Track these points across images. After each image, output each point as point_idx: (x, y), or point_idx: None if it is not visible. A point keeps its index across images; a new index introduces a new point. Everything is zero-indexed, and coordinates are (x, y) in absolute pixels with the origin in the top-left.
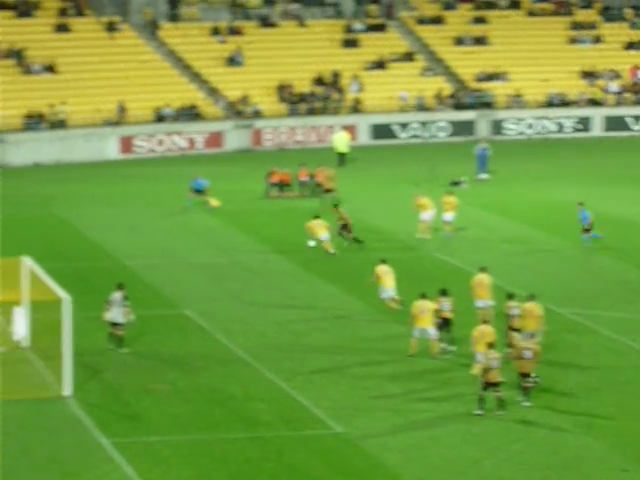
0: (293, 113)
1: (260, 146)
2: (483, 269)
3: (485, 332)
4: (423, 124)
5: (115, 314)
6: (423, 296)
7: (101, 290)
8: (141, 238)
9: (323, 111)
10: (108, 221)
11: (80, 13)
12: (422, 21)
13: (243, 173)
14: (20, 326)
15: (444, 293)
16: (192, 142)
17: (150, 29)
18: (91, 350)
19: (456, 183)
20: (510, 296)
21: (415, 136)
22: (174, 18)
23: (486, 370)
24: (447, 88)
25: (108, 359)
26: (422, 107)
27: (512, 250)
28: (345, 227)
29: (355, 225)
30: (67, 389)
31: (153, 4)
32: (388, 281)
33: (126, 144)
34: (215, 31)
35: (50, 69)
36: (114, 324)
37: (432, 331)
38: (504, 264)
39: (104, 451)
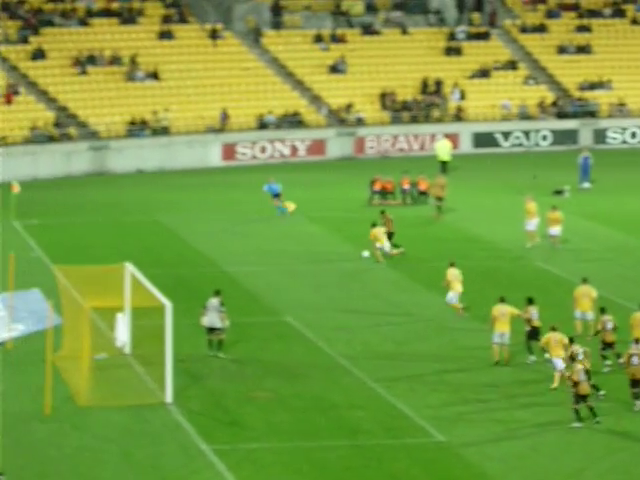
0: (396, 121)
1: (362, 154)
2: (585, 280)
3: (553, 339)
4: (525, 133)
5: (212, 319)
6: (502, 300)
7: (202, 296)
8: (242, 245)
9: (426, 119)
10: (209, 228)
11: (183, 20)
12: (525, 29)
13: (345, 181)
14: (122, 332)
15: (531, 302)
16: (294, 149)
17: (253, 36)
18: (192, 356)
19: (559, 192)
20: (603, 310)
21: (517, 145)
22: (277, 25)
23: (576, 383)
24: (550, 97)
25: (209, 366)
26: (525, 116)
27: (614, 260)
28: (390, 236)
29: (456, 233)
30: (168, 396)
31: (256, 11)
32: (456, 285)
33: (228, 151)
34: (318, 38)
35: (153, 76)
36: (211, 329)
37: (507, 336)
38: (606, 274)
39: (205, 458)
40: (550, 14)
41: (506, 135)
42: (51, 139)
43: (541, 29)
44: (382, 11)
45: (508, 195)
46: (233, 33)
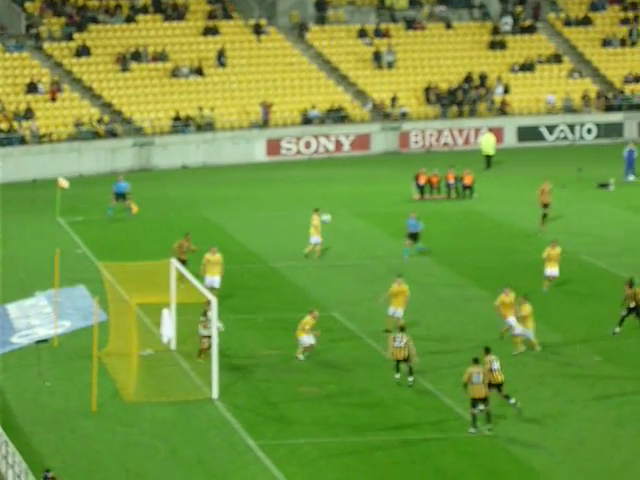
0: (440, 115)
1: (407, 148)
2: (399, 276)
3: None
4: (570, 126)
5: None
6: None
7: (249, 292)
8: (288, 240)
9: (470, 113)
10: (255, 223)
11: (228, 16)
12: (569, 22)
13: (390, 175)
14: (168, 328)
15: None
16: (339, 144)
17: (297, 31)
18: (239, 352)
19: (603, 185)
20: (487, 350)
21: (562, 138)
22: (321, 20)
23: (466, 385)
24: (594, 90)
25: (256, 362)
26: (569, 109)
27: None
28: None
29: (501, 228)
30: (215, 391)
31: (300, 7)
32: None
33: (273, 146)
34: (362, 33)
35: (198, 72)
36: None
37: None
38: None
39: (252, 453)
40: (594, 7)
41: (551, 129)
42: (96, 135)
43: (585, 22)
44: (426, 5)
45: (553, 189)
46: (277, 28)
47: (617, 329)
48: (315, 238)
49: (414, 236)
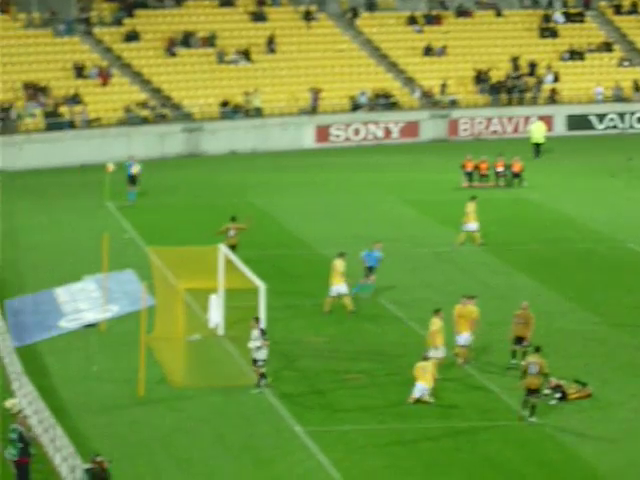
0: (489, 103)
1: (456, 136)
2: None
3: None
4: (620, 115)
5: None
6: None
7: (296, 279)
8: (337, 227)
9: (520, 101)
10: (304, 210)
11: (277, 2)
12: (620, 11)
13: (439, 163)
14: (215, 313)
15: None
16: (388, 131)
17: (347, 18)
18: (286, 338)
19: None
20: (537, 349)
21: (612, 127)
22: (371, 7)
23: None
24: None
25: (303, 348)
26: (619, 98)
27: None
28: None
29: (550, 216)
30: None
31: None
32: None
33: (322, 133)
34: (412, 20)
35: (247, 58)
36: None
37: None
38: None
39: (298, 439)
40: None
41: (600, 117)
42: (145, 121)
43: (636, 10)
44: None
45: (602, 178)
46: (327, 15)
47: None
48: (471, 225)
49: (372, 269)
